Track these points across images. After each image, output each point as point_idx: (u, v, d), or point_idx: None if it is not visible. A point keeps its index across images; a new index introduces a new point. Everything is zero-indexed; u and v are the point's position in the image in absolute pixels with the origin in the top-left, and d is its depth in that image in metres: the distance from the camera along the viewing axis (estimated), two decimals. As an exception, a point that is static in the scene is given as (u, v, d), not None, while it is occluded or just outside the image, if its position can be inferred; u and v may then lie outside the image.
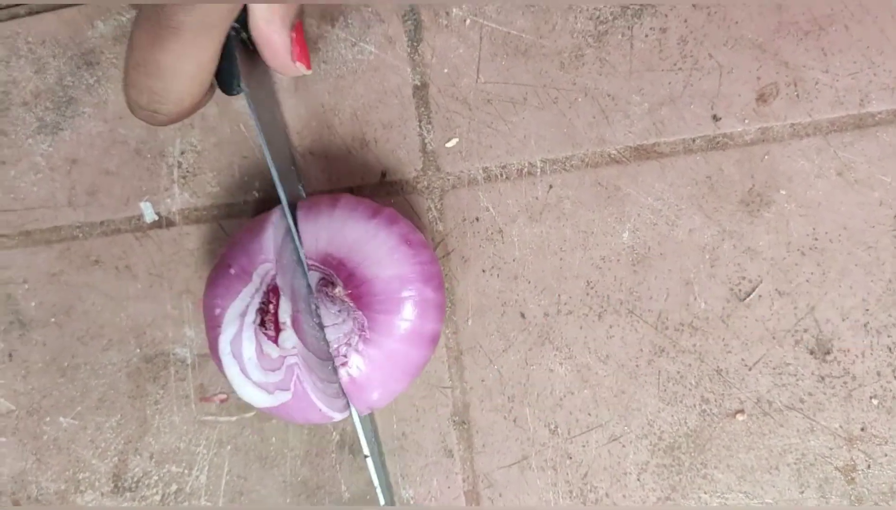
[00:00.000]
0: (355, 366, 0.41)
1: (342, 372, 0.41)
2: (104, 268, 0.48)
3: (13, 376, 0.49)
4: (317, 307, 0.42)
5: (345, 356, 0.41)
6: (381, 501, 0.43)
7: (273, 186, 0.46)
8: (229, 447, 0.47)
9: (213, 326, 0.42)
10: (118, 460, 0.48)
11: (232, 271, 0.42)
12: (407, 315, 0.41)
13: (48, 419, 0.49)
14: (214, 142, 0.47)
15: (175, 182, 0.47)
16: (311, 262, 0.41)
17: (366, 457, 0.43)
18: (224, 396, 0.46)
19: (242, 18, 0.39)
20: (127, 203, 0.48)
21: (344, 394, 0.42)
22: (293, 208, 0.43)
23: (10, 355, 0.49)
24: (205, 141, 0.47)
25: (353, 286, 0.40)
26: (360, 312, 0.40)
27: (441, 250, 0.46)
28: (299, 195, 0.45)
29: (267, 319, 0.41)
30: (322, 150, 0.47)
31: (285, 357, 0.41)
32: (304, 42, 0.40)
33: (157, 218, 0.47)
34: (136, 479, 0.48)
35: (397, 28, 0.46)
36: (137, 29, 0.36)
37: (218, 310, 0.41)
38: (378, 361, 0.41)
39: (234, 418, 0.47)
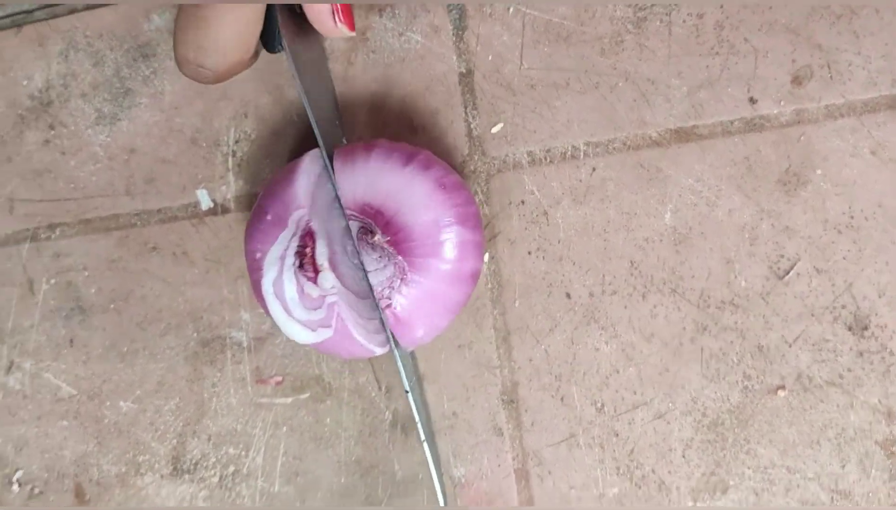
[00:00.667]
0: (399, 306, 0.55)
1: (388, 313, 0.56)
2: (161, 254, 0.64)
3: (74, 361, 0.66)
4: (357, 251, 0.55)
5: (388, 298, 0.55)
6: (422, 438, 0.58)
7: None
8: (285, 428, 0.63)
9: (254, 270, 0.56)
10: (177, 442, 0.64)
11: (269, 217, 0.56)
12: (447, 256, 0.54)
13: (108, 403, 0.65)
14: (268, 130, 0.63)
15: (230, 170, 0.63)
16: (349, 212, 0.55)
17: (406, 392, 0.58)
18: (280, 379, 0.61)
19: None
20: (183, 191, 0.64)
21: (384, 329, 0.57)
22: (329, 156, 0.56)
23: (72, 341, 0.66)
24: (258, 129, 0.63)
25: (392, 233, 0.54)
26: (401, 258, 0.54)
27: (488, 232, 0.61)
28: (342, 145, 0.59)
29: (305, 262, 0.54)
30: (372, 137, 0.62)
31: (325, 296, 0.56)
32: (348, 5, 0.53)
33: (212, 205, 0.63)
34: (194, 461, 0.64)
35: (442, 17, 0.62)
36: None
37: (258, 254, 0.55)
38: (421, 300, 0.55)
39: (289, 400, 0.63)
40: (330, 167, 0.56)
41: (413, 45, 0.62)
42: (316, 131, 0.55)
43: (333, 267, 0.55)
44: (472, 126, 0.61)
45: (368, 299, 0.56)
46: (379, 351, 0.57)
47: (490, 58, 0.61)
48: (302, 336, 0.56)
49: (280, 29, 0.54)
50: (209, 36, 0.50)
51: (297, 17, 0.56)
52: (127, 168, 0.65)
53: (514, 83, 0.61)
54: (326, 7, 0.53)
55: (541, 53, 0.61)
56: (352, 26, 0.54)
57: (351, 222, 0.55)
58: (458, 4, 0.61)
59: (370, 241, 0.55)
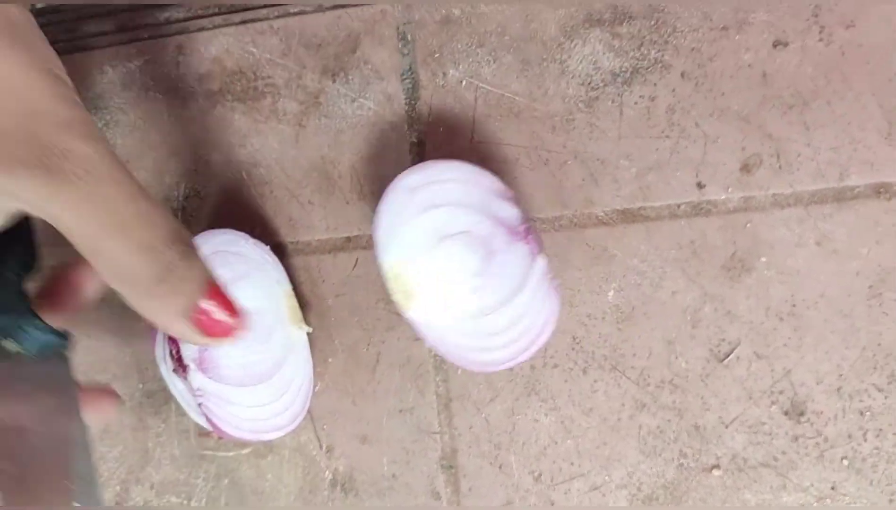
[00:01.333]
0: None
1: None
2: (111, 306, 0.47)
3: (21, 406, 0.49)
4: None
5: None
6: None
7: (271, 232, 0.47)
8: (226, 481, 0.47)
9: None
10: (120, 488, 0.48)
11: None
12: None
13: None
14: (217, 188, 0.45)
15: (179, 226, 0.47)
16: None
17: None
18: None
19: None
20: None
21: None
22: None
23: (19, 386, 0.49)
24: (208, 187, 0.46)
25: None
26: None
27: None
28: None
29: (175, 363, 0.40)
30: (321, 201, 0.45)
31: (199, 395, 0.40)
32: (224, 307, 0.29)
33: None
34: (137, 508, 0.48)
35: (396, 86, 0.46)
36: None
37: (155, 355, 0.42)
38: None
39: (231, 453, 0.47)
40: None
41: (365, 111, 0.44)
42: None
43: (203, 366, 0.39)
44: (421, 195, 0.47)
45: (251, 386, 0.40)
46: (268, 436, 0.41)
47: (441, 129, 0.43)
48: (202, 422, 0.41)
49: None
50: None
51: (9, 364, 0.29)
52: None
53: (465, 156, 0.44)
54: (188, 330, 0.29)
55: (492, 127, 0.43)
56: (239, 326, 0.30)
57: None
58: (412, 75, 0.46)
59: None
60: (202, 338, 0.29)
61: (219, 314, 0.29)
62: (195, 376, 0.38)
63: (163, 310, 0.28)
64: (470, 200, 0.39)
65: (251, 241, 0.42)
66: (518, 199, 0.41)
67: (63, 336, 0.31)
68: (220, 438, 0.45)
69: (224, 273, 0.38)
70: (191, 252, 0.29)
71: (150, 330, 0.43)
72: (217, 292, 0.29)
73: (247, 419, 0.40)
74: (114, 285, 0.28)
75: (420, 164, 0.40)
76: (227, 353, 0.39)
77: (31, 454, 0.29)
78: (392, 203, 0.39)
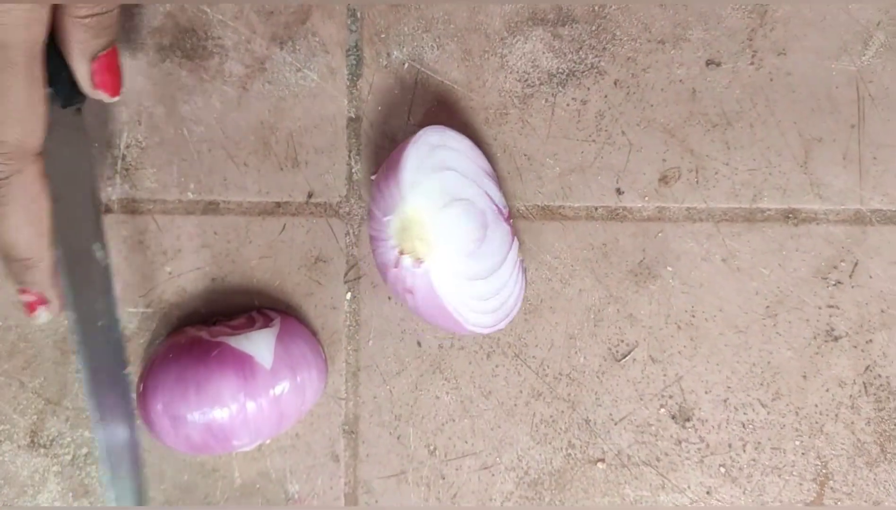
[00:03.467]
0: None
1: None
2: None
3: (-51, 327, 0.42)
4: None
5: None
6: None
7: (205, 189, 0.37)
8: (137, 422, 0.41)
9: None
10: (37, 418, 0.41)
11: None
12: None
13: None
14: (158, 140, 0.38)
15: (118, 173, 0.40)
16: None
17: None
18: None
19: (47, 71, 0.29)
20: None
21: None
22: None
23: (-51, 308, 0.42)
24: (149, 138, 0.39)
25: None
26: None
27: (353, 273, 0.38)
28: (90, 254, 0.33)
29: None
30: (256, 164, 0.37)
31: None
32: (111, 72, 0.31)
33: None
34: (51, 438, 0.41)
35: (340, 61, 0.39)
36: None
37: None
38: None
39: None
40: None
41: (308, 82, 0.36)
42: (55, 234, 0.31)
43: None
44: (353, 170, 0.36)
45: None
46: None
47: (380, 108, 0.36)
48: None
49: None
50: None
51: (55, 109, 0.30)
52: None
53: (399, 137, 0.36)
54: (83, 73, 0.30)
55: (428, 112, 0.36)
56: (112, 92, 0.31)
57: None
58: (357, 52, 0.38)
59: None
60: (89, 84, 0.31)
61: (109, 73, 0.31)
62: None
63: (83, 44, 0.30)
64: (471, 173, 0.33)
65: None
66: (500, 184, 0.35)
67: (83, 97, 0.31)
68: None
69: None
70: (119, 14, 0.31)
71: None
72: (115, 54, 0.31)
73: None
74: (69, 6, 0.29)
75: (434, 126, 0.33)
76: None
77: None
78: (418, 152, 0.32)
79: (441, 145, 0.33)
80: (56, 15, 0.29)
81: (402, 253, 0.32)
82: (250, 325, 0.35)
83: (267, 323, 0.35)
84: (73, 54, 0.30)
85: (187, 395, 0.33)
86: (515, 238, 0.34)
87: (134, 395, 0.33)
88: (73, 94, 0.31)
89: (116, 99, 0.32)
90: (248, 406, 0.33)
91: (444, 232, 0.31)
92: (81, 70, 0.30)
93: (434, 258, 0.31)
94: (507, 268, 0.33)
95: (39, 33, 0.28)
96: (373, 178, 0.36)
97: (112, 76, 0.31)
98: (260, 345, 0.34)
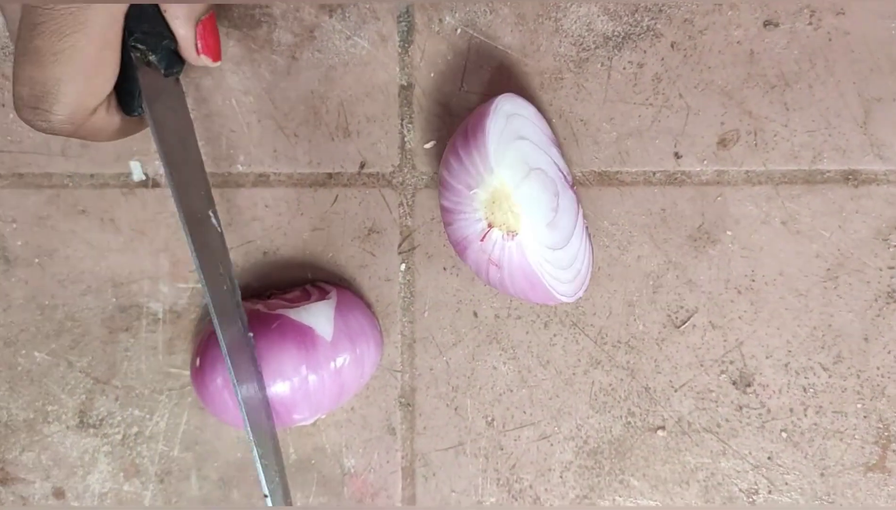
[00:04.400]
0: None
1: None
2: (90, 218, 0.38)
3: (-6, 307, 0.41)
4: None
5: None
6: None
7: (255, 161, 0.37)
8: (189, 399, 0.40)
9: None
10: (85, 398, 0.41)
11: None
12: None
13: (24, 352, 0.37)
14: (206, 112, 0.36)
15: (164, 146, 0.39)
16: None
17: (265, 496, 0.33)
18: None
19: (148, 40, 0.30)
20: (117, 160, 0.39)
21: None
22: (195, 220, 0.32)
23: (-7, 288, 0.41)
24: (197, 110, 0.38)
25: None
26: None
27: (408, 244, 0.36)
28: (208, 220, 0.33)
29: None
30: (307, 134, 0.36)
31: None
32: (213, 36, 0.31)
33: (144, 178, 0.40)
34: (100, 418, 0.40)
35: (391, 27, 0.38)
36: (22, 19, 0.26)
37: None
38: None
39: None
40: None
41: (359, 50, 0.36)
42: (177, 201, 0.31)
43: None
44: (405, 138, 0.36)
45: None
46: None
47: (432, 75, 0.36)
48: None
49: (141, 90, 0.30)
50: (44, 68, 0.27)
51: (162, 77, 0.31)
52: None
53: (453, 103, 0.35)
54: (188, 39, 0.30)
55: (482, 78, 0.35)
56: (214, 58, 0.32)
57: None
58: (409, 18, 0.36)
59: None
60: (193, 49, 0.31)
61: (212, 35, 0.32)
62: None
63: (188, 8, 0.30)
64: (541, 141, 0.32)
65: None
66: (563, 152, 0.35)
67: (182, 63, 0.32)
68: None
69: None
70: None
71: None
72: (214, 20, 0.32)
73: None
74: None
75: (506, 94, 0.32)
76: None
77: None
78: (496, 123, 0.31)
79: (515, 113, 0.32)
80: None
81: (490, 226, 0.31)
82: (306, 298, 0.35)
83: (323, 296, 0.35)
84: (179, 20, 0.30)
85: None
86: (580, 205, 0.33)
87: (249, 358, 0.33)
88: (173, 62, 0.31)
89: (218, 64, 0.32)
90: (310, 379, 0.33)
91: (527, 203, 0.31)
92: (188, 36, 0.31)
93: (525, 230, 0.31)
94: (577, 235, 0.33)
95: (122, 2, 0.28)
96: (426, 147, 0.35)
97: (214, 40, 0.32)
98: (319, 317, 0.34)
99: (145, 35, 0.30)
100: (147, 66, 0.31)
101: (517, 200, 0.31)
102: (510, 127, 0.31)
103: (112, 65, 0.28)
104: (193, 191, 0.32)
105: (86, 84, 0.28)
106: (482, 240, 0.31)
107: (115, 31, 0.28)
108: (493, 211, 0.31)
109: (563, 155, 0.33)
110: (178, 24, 0.30)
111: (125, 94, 0.30)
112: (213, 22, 0.31)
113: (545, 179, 0.32)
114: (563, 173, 0.32)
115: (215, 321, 0.31)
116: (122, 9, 0.28)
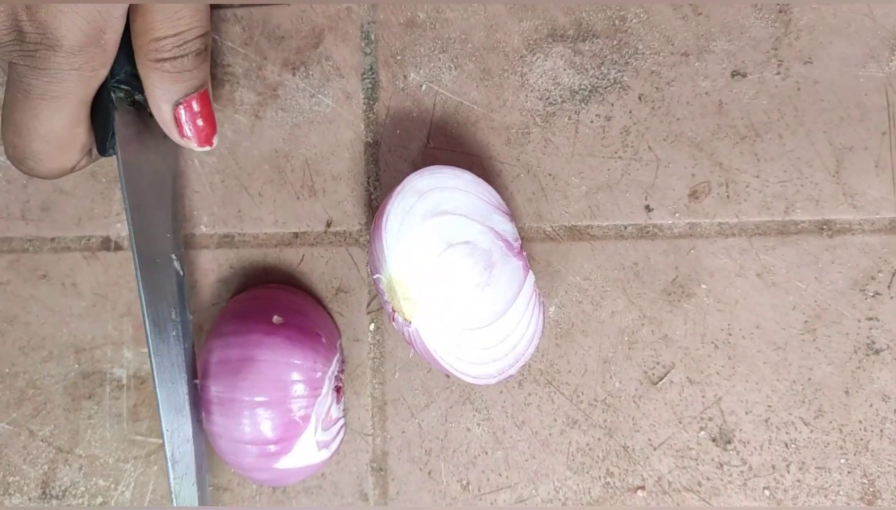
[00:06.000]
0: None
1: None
2: (51, 282, 0.37)
3: (-47, 376, 0.40)
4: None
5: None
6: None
7: (219, 222, 0.36)
8: (156, 467, 0.39)
9: (314, 388, 0.33)
10: (48, 468, 0.40)
11: (323, 340, 0.34)
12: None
13: None
14: None
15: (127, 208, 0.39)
16: None
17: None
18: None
19: (133, 81, 0.29)
20: (79, 223, 0.38)
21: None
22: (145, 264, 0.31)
23: (-48, 356, 0.40)
24: None
25: None
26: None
27: (375, 304, 0.37)
28: (168, 263, 0.32)
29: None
30: (272, 194, 0.35)
31: (340, 418, 0.34)
32: (203, 117, 0.29)
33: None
34: (63, 488, 0.39)
35: (355, 85, 0.38)
36: (7, 86, 0.27)
37: (319, 374, 0.33)
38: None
39: (161, 440, 0.39)
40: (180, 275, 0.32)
41: (323, 108, 0.35)
42: (132, 245, 0.30)
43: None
44: (373, 196, 0.35)
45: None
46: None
47: (398, 132, 0.35)
48: (312, 456, 0.33)
49: (114, 132, 0.29)
50: (23, 139, 0.28)
51: (145, 116, 0.30)
52: (24, 193, 0.36)
53: (419, 160, 0.35)
54: (165, 120, 0.29)
55: (448, 134, 0.35)
56: (201, 142, 0.30)
57: None
58: (373, 75, 0.36)
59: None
60: (174, 132, 0.29)
61: (199, 119, 0.29)
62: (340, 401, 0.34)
63: (163, 88, 0.28)
64: (473, 210, 0.31)
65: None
66: (512, 214, 0.34)
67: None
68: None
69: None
70: (209, 47, 0.29)
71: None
72: (206, 100, 0.29)
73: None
74: (143, 47, 0.27)
75: (427, 168, 0.31)
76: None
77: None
78: (401, 204, 0.31)
79: (434, 188, 0.31)
80: (136, 57, 0.28)
81: (394, 311, 0.31)
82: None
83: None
84: (152, 100, 0.29)
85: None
86: (530, 271, 0.32)
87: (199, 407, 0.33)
88: (107, 144, 0.30)
89: (208, 149, 0.30)
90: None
91: (436, 285, 0.30)
92: (162, 118, 0.29)
93: (422, 317, 0.30)
94: (517, 308, 0.31)
95: (97, 83, 0.28)
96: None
97: (200, 124, 0.29)
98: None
99: (131, 76, 0.29)
100: (132, 105, 0.30)
101: (416, 287, 0.30)
102: (423, 205, 0.31)
103: (84, 137, 0.29)
104: (156, 232, 0.32)
105: (60, 153, 0.29)
106: (392, 320, 0.32)
107: (86, 111, 0.29)
108: (391, 297, 0.31)
109: (512, 219, 0.32)
110: (153, 103, 0.29)
111: (100, 134, 0.30)
112: (200, 103, 0.29)
113: (471, 253, 0.31)
114: (505, 240, 0.31)
115: (153, 365, 0.30)
116: (94, 91, 0.28)
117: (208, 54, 0.29)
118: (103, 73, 0.28)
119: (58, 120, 0.28)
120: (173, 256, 0.32)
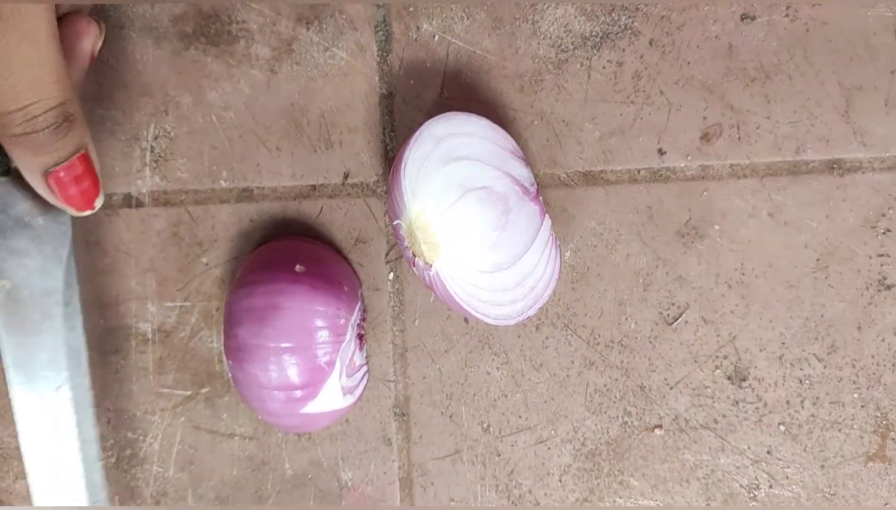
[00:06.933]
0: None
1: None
2: (74, 241, 0.40)
3: (-18, 335, 0.41)
4: None
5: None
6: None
7: (238, 176, 0.39)
8: (182, 419, 0.40)
9: (338, 334, 0.33)
10: None
11: (346, 288, 0.34)
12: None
13: None
14: (187, 130, 0.37)
15: (147, 165, 0.39)
16: None
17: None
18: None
19: None
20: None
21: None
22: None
23: (-20, 315, 0.41)
24: (178, 128, 0.38)
25: None
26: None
27: (394, 253, 0.36)
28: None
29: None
30: (289, 147, 0.36)
31: (363, 365, 0.35)
32: (77, 184, 0.27)
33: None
34: None
35: (369, 37, 0.38)
36: None
37: (342, 320, 0.33)
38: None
39: (188, 392, 0.40)
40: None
41: (337, 61, 0.36)
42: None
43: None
44: (388, 147, 0.36)
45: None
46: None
47: (412, 83, 0.36)
48: (337, 401, 0.34)
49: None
50: None
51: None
52: None
53: (434, 111, 0.35)
54: (40, 187, 0.27)
55: (461, 84, 0.35)
56: (81, 206, 0.28)
57: None
58: (386, 27, 0.36)
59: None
60: (51, 198, 0.28)
61: (73, 186, 0.27)
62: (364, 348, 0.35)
63: (25, 161, 0.26)
64: (489, 156, 0.32)
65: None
66: (528, 159, 0.35)
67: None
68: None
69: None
70: (72, 117, 0.26)
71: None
72: (82, 165, 0.27)
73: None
74: None
75: (442, 114, 0.32)
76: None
77: None
78: (419, 150, 0.31)
79: (450, 134, 0.32)
80: None
81: (414, 255, 0.31)
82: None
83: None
84: (21, 170, 0.27)
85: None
86: (546, 215, 0.33)
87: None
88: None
89: (89, 212, 0.28)
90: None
91: (455, 229, 0.31)
92: (36, 187, 0.27)
93: (443, 261, 0.31)
94: (535, 251, 0.32)
95: None
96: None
97: (72, 192, 0.27)
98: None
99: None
100: (6, 173, 0.28)
101: (436, 230, 0.31)
102: (440, 151, 0.31)
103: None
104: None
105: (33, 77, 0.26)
106: (413, 265, 0.32)
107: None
108: (412, 242, 0.32)
109: (528, 164, 0.33)
110: (26, 176, 0.27)
111: None
112: (72, 169, 0.27)
113: (489, 198, 0.31)
114: (521, 185, 0.32)
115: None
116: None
117: (73, 124, 0.27)
118: None
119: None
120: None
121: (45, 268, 0.30)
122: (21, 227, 0.29)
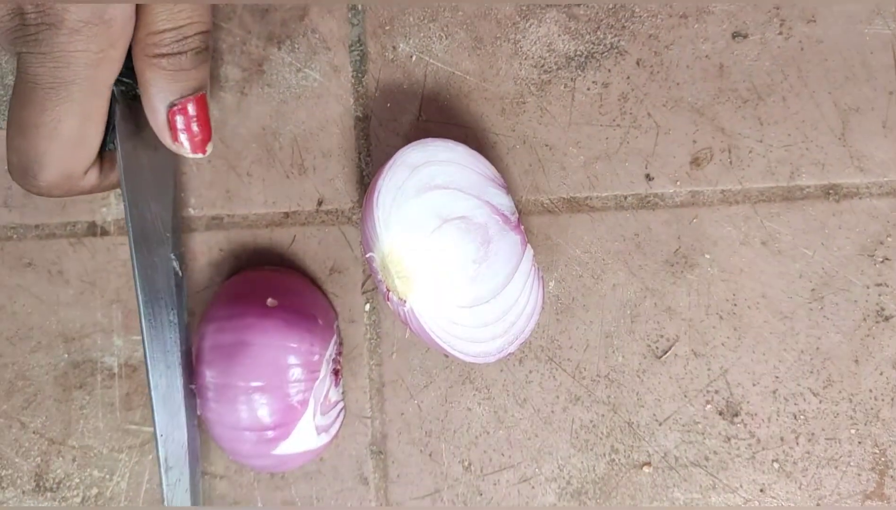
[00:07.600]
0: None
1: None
2: (37, 271, 0.36)
3: (-59, 369, 0.39)
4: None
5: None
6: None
7: (207, 204, 0.35)
8: (150, 457, 0.38)
9: (312, 371, 0.32)
10: (41, 460, 0.39)
11: (320, 322, 0.33)
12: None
13: None
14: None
15: (111, 192, 0.38)
16: None
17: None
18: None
19: (133, 74, 0.28)
20: (63, 209, 0.37)
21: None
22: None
23: (-61, 349, 0.39)
24: None
25: None
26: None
27: (371, 283, 0.36)
28: (167, 262, 0.32)
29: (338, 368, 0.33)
30: (260, 173, 0.34)
31: (338, 401, 0.34)
32: (199, 122, 0.28)
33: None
34: (57, 480, 0.38)
35: (343, 57, 0.36)
36: (15, 84, 0.26)
37: (316, 357, 0.32)
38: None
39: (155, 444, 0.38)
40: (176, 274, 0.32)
41: (310, 82, 0.34)
42: (131, 245, 0.30)
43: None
44: (364, 173, 0.34)
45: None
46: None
47: (388, 105, 0.34)
48: (311, 441, 0.32)
49: (115, 125, 0.29)
50: (28, 139, 0.27)
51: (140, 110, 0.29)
52: (6, 179, 0.35)
53: (411, 134, 0.34)
54: (157, 121, 0.28)
55: (440, 106, 0.34)
56: (195, 148, 0.28)
57: None
58: (361, 47, 0.35)
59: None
60: (167, 135, 0.28)
61: (193, 125, 0.28)
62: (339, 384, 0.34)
63: (158, 87, 0.27)
64: (468, 184, 0.30)
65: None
66: (509, 187, 0.33)
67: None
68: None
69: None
70: (210, 47, 0.28)
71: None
72: (203, 105, 0.28)
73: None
74: (141, 41, 0.27)
75: (419, 141, 0.30)
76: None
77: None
78: (393, 179, 0.30)
79: (426, 162, 0.30)
80: (132, 51, 0.27)
81: (388, 290, 0.30)
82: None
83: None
84: (146, 99, 0.28)
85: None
86: (528, 245, 0.31)
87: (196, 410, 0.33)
88: (107, 139, 0.29)
89: (200, 156, 0.29)
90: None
91: (431, 262, 0.29)
92: (155, 119, 0.28)
93: (417, 295, 0.29)
94: (516, 283, 0.31)
95: (109, 72, 0.27)
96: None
97: (195, 129, 0.28)
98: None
99: (131, 70, 0.28)
100: (133, 99, 0.29)
101: (410, 264, 0.29)
102: (415, 179, 0.30)
103: (95, 137, 0.28)
104: (153, 230, 0.31)
105: (70, 155, 0.27)
106: (388, 300, 0.31)
107: (98, 105, 0.27)
108: (385, 276, 0.30)
109: (509, 192, 0.31)
110: (147, 103, 0.28)
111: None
112: (196, 107, 0.28)
113: (467, 228, 0.30)
114: (502, 214, 0.30)
115: (148, 374, 0.30)
116: (108, 83, 0.27)
117: (208, 56, 0.28)
118: (114, 55, 0.26)
119: (66, 111, 0.26)
120: (172, 256, 0.32)
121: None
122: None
